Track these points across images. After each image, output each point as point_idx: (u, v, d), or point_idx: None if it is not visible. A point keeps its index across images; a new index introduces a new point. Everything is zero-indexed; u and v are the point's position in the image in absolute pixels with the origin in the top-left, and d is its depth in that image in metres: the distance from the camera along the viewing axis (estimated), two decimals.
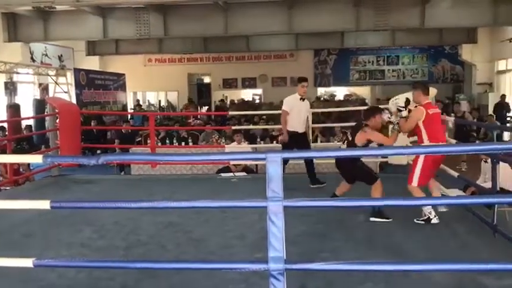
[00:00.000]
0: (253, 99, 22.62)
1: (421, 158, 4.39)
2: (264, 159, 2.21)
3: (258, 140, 9.97)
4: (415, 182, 4.44)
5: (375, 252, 3.78)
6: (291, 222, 2.36)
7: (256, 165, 8.18)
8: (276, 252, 2.18)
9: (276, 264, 2.17)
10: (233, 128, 8.77)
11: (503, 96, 15.05)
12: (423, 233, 4.24)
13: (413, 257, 3.39)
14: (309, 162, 6.17)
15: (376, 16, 12.59)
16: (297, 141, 6.12)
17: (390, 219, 4.49)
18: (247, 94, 23.30)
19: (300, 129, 6.24)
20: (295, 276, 2.30)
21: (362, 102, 20.05)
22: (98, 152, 10.52)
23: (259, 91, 22.52)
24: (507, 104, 14.76)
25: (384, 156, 6.81)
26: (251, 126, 11.34)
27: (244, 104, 20.84)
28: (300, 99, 6.30)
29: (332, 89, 21.84)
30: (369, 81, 20.87)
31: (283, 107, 6.26)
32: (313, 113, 7.88)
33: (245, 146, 8.54)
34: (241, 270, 2.32)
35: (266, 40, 17.67)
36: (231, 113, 11.64)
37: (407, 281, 3.17)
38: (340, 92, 21.97)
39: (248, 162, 7.86)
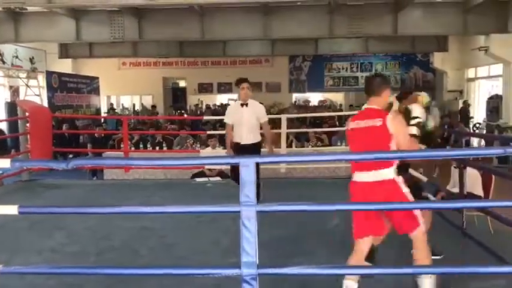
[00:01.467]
0: (229, 104, 22.63)
1: None
2: (237, 163, 2.22)
3: None
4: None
5: (348, 256, 3.81)
6: (265, 227, 2.37)
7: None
8: (249, 257, 2.19)
9: (249, 269, 2.18)
10: (208, 132, 8.73)
11: (465, 102, 16.01)
12: (394, 237, 4.31)
13: (384, 260, 3.44)
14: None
15: (349, 23, 12.79)
16: (239, 152, 5.26)
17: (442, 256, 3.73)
18: (222, 99, 23.28)
19: (247, 140, 5.32)
20: (269, 281, 2.31)
21: (336, 108, 20.34)
22: (70, 156, 10.34)
23: (235, 96, 22.52)
24: (468, 109, 15.74)
25: None
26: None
27: (219, 109, 20.81)
28: (241, 105, 5.43)
29: (307, 95, 22.04)
30: (343, 87, 21.14)
31: (225, 120, 5.60)
32: (288, 119, 7.88)
33: (220, 151, 8.52)
34: (214, 275, 2.31)
35: (242, 45, 17.73)
36: (205, 117, 11.61)
37: (381, 286, 3.22)
38: (314, 98, 22.19)
39: (223, 167, 7.84)
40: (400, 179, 3.05)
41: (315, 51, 18.19)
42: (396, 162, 3.04)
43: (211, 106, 21.25)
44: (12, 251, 4.05)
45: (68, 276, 3.26)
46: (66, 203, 4.62)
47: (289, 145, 8.97)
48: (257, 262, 2.19)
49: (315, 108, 19.78)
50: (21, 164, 2.20)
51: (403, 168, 3.39)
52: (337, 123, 13.18)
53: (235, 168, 4.76)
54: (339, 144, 9.57)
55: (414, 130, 3.35)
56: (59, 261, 3.80)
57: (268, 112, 19.00)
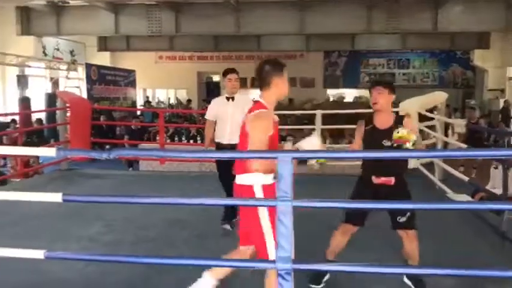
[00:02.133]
0: None
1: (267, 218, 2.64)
2: (275, 158, 2.22)
3: None
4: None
5: (381, 255, 3.77)
6: (298, 223, 2.37)
7: None
8: (284, 252, 2.19)
9: (284, 264, 2.18)
10: None
11: (506, 102, 15.39)
12: (432, 237, 4.23)
13: (421, 261, 3.38)
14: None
15: (388, 19, 12.57)
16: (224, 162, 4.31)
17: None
18: (255, 94, 23.30)
19: (231, 140, 4.35)
20: (301, 277, 2.31)
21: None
22: (107, 147, 10.58)
23: None
24: (509, 109, 15.12)
25: None
26: None
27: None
28: (228, 98, 4.57)
29: (341, 91, 21.80)
30: None
31: (206, 116, 4.73)
32: (322, 115, 7.80)
33: None
34: (249, 268, 2.33)
35: (277, 40, 17.69)
36: None
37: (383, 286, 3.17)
38: (349, 94, 21.93)
39: None
40: (259, 188, 2.61)
41: (351, 47, 17.97)
42: (263, 168, 2.53)
43: None
44: (53, 238, 4.20)
45: (105, 264, 3.34)
46: (104, 193, 4.73)
47: (323, 142, 8.89)
48: (292, 257, 2.20)
49: (350, 105, 19.55)
50: (65, 153, 2.27)
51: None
52: None
53: (220, 165, 4.41)
54: None
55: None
56: (97, 250, 3.91)
57: (302, 108, 18.95)
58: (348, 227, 3.32)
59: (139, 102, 21.04)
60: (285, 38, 17.34)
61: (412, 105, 6.34)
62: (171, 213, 4.77)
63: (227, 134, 4.45)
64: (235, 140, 4.05)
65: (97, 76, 16.73)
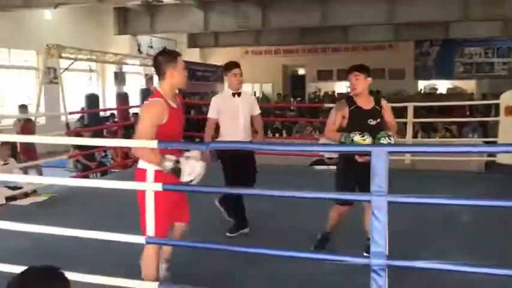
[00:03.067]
0: (347, 92, 22.24)
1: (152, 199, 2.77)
2: (369, 152, 2.18)
3: None
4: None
5: (481, 256, 3.56)
6: (389, 219, 2.30)
7: None
8: (379, 248, 2.15)
9: (378, 259, 2.14)
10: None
11: None
12: None
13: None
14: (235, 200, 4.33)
15: (487, 4, 11.70)
16: (235, 156, 4.05)
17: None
18: (341, 86, 22.93)
19: (245, 138, 4.27)
20: (392, 275, 2.25)
21: (466, 96, 18.84)
22: (197, 140, 10.99)
23: None
24: None
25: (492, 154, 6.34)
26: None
27: (339, 96, 20.56)
28: (233, 94, 4.33)
29: (433, 82, 20.76)
30: (476, 74, 19.50)
31: (208, 114, 4.41)
32: (414, 107, 7.48)
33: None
34: (342, 262, 2.31)
35: (365, 31, 17.21)
36: (326, 105, 11.49)
37: None
38: (442, 86, 20.82)
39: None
40: (152, 172, 2.70)
41: (445, 36, 16.99)
42: (145, 158, 2.68)
43: (329, 93, 21.07)
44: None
45: (191, 254, 3.46)
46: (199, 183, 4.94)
47: (414, 135, 8.55)
48: (386, 253, 2.15)
49: (442, 97, 18.57)
50: (166, 145, 2.39)
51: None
52: (467, 113, 12.23)
53: (225, 160, 4.28)
54: (470, 136, 8.90)
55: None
56: (190, 238, 4.08)
57: (391, 100, 18.29)
58: (339, 208, 3.64)
59: None
60: (373, 28, 16.81)
61: None
62: (260, 205, 4.85)
63: (241, 131, 4.25)
64: (247, 137, 4.28)
65: (187, 72, 17.40)
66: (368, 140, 3.20)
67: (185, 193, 3.07)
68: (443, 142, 8.08)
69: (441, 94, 19.58)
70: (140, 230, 2.81)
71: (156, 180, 2.69)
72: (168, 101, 2.81)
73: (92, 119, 12.23)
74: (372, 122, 3.48)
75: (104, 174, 7.52)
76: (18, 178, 5.50)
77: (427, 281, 3.10)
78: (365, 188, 3.20)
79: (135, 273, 2.86)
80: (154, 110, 2.71)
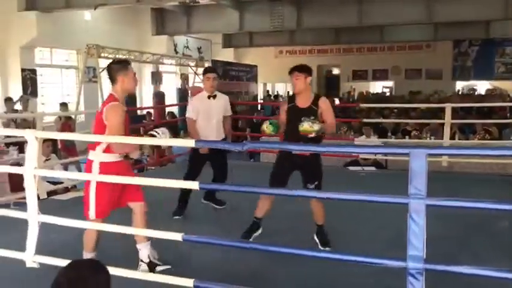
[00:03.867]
0: (383, 92, 21.89)
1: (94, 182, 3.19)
2: (407, 154, 2.16)
3: (389, 134, 9.63)
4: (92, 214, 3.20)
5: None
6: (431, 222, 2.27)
7: (386, 160, 7.92)
8: (416, 251, 2.12)
9: (415, 263, 2.12)
10: (364, 120, 8.55)
11: None
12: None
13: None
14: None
15: None
16: (209, 154, 4.57)
17: None
18: (375, 86, 22.62)
19: (218, 137, 4.72)
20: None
21: (507, 98, 18.25)
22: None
23: (390, 83, 21.72)
24: None
25: None
26: (382, 120, 10.98)
27: (373, 97, 20.30)
28: (209, 97, 4.71)
29: (472, 83, 20.21)
30: None
31: (187, 115, 4.74)
32: (453, 108, 7.31)
33: (374, 140, 8.33)
34: (379, 265, 2.30)
35: (401, 30, 16.95)
36: (362, 105, 11.40)
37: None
38: (481, 86, 20.24)
39: (378, 157, 7.65)
40: (97, 164, 3.12)
41: (485, 35, 16.53)
42: (102, 146, 3.11)
43: (364, 93, 20.82)
44: (184, 222, 4.54)
45: (234, 252, 3.49)
46: (232, 181, 4.96)
47: (452, 137, 8.35)
48: (424, 257, 2.13)
49: (481, 98, 18.05)
50: (203, 144, 2.44)
51: None
52: (508, 114, 11.85)
53: (194, 160, 4.67)
54: (511, 138, 8.62)
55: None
56: (227, 237, 4.12)
57: (428, 101, 17.94)
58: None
59: (260, 96, 21.64)
60: (410, 27, 16.53)
61: None
62: (296, 205, 4.84)
63: (215, 131, 4.68)
64: (220, 136, 4.76)
65: (222, 72, 17.56)
66: (316, 127, 3.47)
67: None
68: (482, 144, 7.85)
69: (480, 95, 19.02)
70: (84, 213, 3.17)
71: (101, 170, 3.12)
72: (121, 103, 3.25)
73: (130, 117, 12.49)
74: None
75: (141, 171, 7.68)
76: (59, 174, 5.68)
77: (461, 285, 3.03)
78: (305, 178, 3.86)
79: (172, 269, 2.92)
80: (119, 111, 3.14)
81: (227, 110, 4.90)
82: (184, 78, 16.80)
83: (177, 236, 2.74)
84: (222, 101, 4.84)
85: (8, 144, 7.28)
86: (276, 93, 23.22)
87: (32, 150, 3.06)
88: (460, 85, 20.28)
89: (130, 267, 2.93)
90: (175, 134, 12.27)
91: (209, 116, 4.66)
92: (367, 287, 3.16)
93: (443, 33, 16.81)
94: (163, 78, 16.77)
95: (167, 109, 12.88)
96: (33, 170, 3.06)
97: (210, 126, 4.66)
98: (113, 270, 2.17)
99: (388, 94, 21.24)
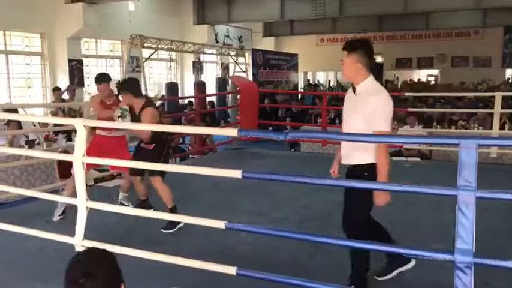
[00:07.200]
0: (428, 80, 21.27)
1: None
2: (457, 144, 2.08)
3: (434, 124, 9.35)
4: None
5: None
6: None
7: (431, 150, 7.71)
8: (465, 245, 2.05)
9: (464, 256, 2.05)
10: (409, 110, 8.33)
11: None
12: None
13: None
14: None
15: None
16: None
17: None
18: (419, 75, 21.99)
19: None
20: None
21: None
22: (270, 128, 11.08)
23: (435, 72, 21.06)
24: None
25: None
26: (428, 109, 10.65)
27: (418, 85, 19.75)
28: None
29: None
30: None
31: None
32: (502, 97, 7.01)
33: (419, 130, 8.11)
34: (424, 258, 2.24)
35: (448, 16, 16.32)
36: (407, 93, 11.07)
37: None
38: None
39: (422, 147, 7.45)
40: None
41: None
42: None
43: (408, 81, 20.30)
44: (227, 210, 4.58)
45: (272, 239, 3.51)
46: (273, 171, 4.99)
47: (501, 127, 8.02)
48: (473, 250, 2.05)
49: None
50: (246, 133, 2.44)
51: None
52: None
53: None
54: None
55: None
56: (266, 224, 4.14)
57: (476, 89, 17.30)
58: (160, 178, 4.16)
59: (300, 85, 21.47)
60: (457, 13, 15.89)
61: None
62: (333, 195, 4.80)
63: None
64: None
65: (262, 61, 17.51)
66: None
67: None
68: None
69: None
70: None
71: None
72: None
73: (172, 106, 12.70)
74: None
75: (183, 159, 7.80)
76: (106, 161, 5.84)
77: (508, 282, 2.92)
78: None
79: (209, 256, 2.95)
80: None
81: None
82: (224, 67, 16.87)
83: (220, 224, 2.76)
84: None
85: (56, 133, 7.55)
86: (316, 81, 22.97)
87: (81, 138, 3.15)
88: (510, 73, 19.42)
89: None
90: (216, 123, 12.38)
91: None
92: (407, 279, 3.10)
93: (493, 19, 16.08)
94: (204, 68, 16.91)
95: (207, 98, 13.00)
96: (82, 158, 3.15)
97: None
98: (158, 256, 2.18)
99: (433, 83, 20.64)
